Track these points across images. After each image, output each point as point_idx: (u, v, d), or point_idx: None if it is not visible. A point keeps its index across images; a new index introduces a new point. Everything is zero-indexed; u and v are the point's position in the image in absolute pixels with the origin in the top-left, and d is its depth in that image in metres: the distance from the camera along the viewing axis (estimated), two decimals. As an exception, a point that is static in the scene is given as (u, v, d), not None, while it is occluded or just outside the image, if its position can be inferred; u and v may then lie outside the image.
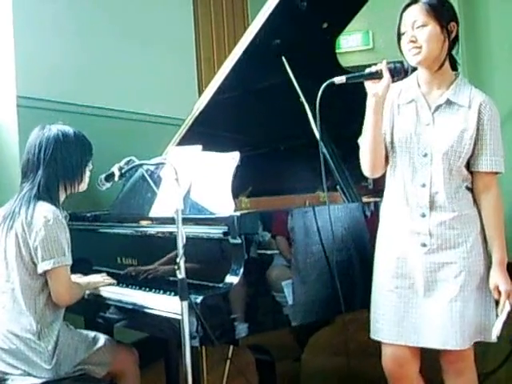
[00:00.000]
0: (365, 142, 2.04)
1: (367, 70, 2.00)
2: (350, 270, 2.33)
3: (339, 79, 2.01)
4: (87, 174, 2.32)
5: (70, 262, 2.18)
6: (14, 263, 2.15)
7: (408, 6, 2.00)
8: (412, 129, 2.01)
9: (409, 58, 1.99)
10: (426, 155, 1.99)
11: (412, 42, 1.96)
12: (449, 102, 2.00)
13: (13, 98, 3.15)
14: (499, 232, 2.01)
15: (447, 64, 2.03)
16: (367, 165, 2.07)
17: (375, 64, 2.00)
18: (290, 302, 2.10)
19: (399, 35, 2.02)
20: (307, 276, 2.17)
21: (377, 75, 1.98)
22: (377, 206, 2.34)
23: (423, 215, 2.00)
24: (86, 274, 2.50)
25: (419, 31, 1.96)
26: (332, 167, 2.56)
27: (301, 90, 2.68)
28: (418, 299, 2.00)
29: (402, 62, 2.00)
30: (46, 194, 2.19)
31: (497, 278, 1.98)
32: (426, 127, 2.01)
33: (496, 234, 2.01)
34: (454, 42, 2.02)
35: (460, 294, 1.96)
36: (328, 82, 2.00)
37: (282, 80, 2.71)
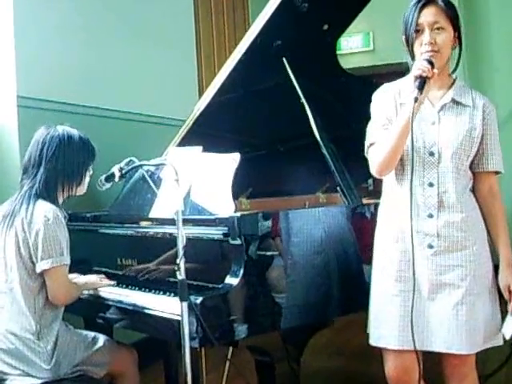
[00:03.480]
0: (389, 144, 1.94)
1: (420, 74, 1.87)
2: (351, 273, 2.34)
3: (416, 94, 1.87)
4: (87, 178, 2.33)
5: (68, 261, 2.18)
6: (14, 262, 2.15)
7: (426, 4, 1.95)
8: (416, 128, 1.97)
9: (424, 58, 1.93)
10: (432, 154, 1.97)
11: (431, 44, 1.93)
12: (454, 102, 2.00)
13: (13, 98, 3.15)
14: (505, 232, 2.01)
15: (448, 65, 2.03)
16: (383, 165, 1.99)
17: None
18: (290, 303, 2.10)
19: (410, 31, 1.96)
20: (306, 277, 2.17)
21: (428, 78, 1.89)
22: (377, 207, 2.33)
23: (430, 216, 1.97)
24: (85, 274, 2.49)
25: (437, 34, 1.94)
26: (332, 168, 2.56)
27: (301, 91, 2.68)
28: (421, 302, 1.96)
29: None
30: (46, 192, 2.19)
31: (508, 277, 1.98)
32: (432, 126, 1.99)
33: (503, 234, 2.01)
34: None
35: (466, 297, 1.93)
36: (414, 99, 1.85)
37: (283, 81, 2.71)
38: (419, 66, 1.89)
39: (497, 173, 2.05)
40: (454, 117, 2.00)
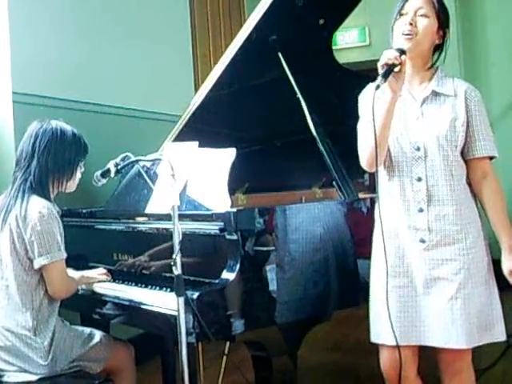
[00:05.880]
0: (373, 135, 1.92)
1: (385, 62, 1.85)
2: (347, 267, 2.34)
3: (378, 81, 1.87)
4: (78, 174, 2.32)
5: (65, 255, 2.18)
6: (9, 259, 2.15)
7: None
8: (401, 124, 1.99)
9: (400, 40, 1.95)
10: (418, 149, 1.97)
11: (410, 24, 1.94)
12: (434, 94, 2.00)
13: (8, 95, 3.14)
14: (505, 218, 1.99)
15: (429, 61, 2.03)
16: (370, 160, 1.98)
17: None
18: (287, 297, 2.10)
19: (395, 17, 1.99)
20: (303, 272, 2.17)
21: (394, 66, 1.87)
22: (373, 202, 2.33)
23: (421, 210, 1.97)
24: (81, 270, 2.48)
25: (420, 19, 1.95)
26: (328, 163, 2.56)
27: (297, 86, 2.68)
28: (416, 297, 1.97)
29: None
30: (39, 187, 2.19)
31: (510, 261, 1.97)
32: (416, 121, 2.00)
33: (502, 220, 1.99)
34: (438, 47, 2.03)
35: (460, 291, 1.93)
36: (375, 86, 1.85)
37: (279, 76, 2.70)
38: (386, 54, 1.88)
39: (491, 158, 2.02)
40: (436, 109, 1.99)
